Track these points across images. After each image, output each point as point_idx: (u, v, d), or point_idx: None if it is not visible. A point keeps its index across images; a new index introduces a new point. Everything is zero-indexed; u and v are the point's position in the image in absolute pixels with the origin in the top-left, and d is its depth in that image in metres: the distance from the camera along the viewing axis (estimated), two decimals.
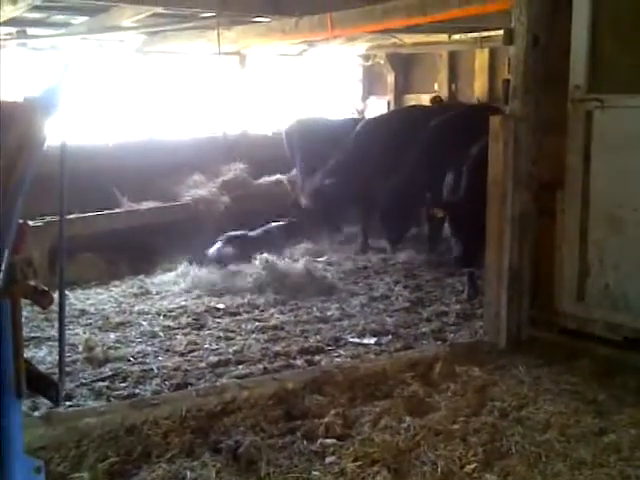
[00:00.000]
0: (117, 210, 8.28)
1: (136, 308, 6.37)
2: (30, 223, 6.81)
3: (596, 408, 4.17)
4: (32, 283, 2.22)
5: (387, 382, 4.53)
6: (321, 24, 6.63)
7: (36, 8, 6.93)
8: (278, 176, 9.71)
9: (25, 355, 4.94)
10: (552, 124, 4.92)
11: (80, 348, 5.27)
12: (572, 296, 5.00)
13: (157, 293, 6.87)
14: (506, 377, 4.65)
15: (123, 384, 4.71)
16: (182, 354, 5.25)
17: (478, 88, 10.14)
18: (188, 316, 6.11)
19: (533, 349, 5.06)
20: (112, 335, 5.65)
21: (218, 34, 6.71)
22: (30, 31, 7.79)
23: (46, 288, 2.26)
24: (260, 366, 4.96)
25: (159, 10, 7.11)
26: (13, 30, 7.66)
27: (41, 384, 2.43)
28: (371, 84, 11.71)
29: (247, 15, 7.49)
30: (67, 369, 4.94)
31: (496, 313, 5.14)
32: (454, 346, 5.19)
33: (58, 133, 2.41)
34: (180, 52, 9.36)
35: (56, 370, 4.87)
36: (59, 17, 7.69)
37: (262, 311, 6.26)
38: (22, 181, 2.23)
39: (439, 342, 5.47)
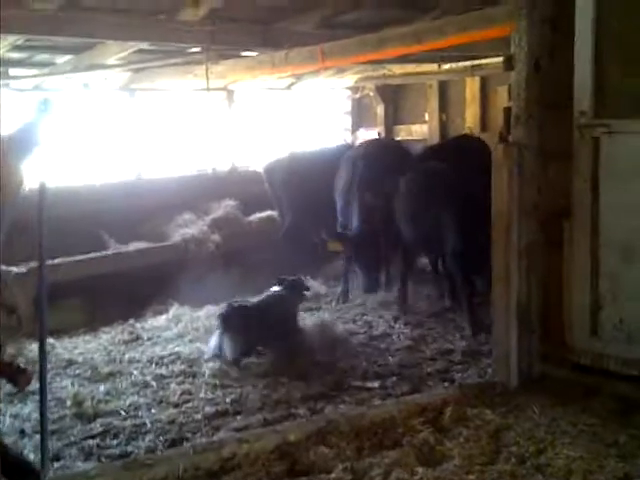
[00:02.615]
0: (104, 253, 8.01)
1: (126, 356, 6.08)
2: (15, 270, 6.60)
3: (618, 451, 3.94)
4: (8, 360, 1.98)
5: (396, 429, 4.28)
6: (312, 56, 6.46)
7: (18, 48, 6.73)
8: (269, 212, 9.48)
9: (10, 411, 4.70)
10: (557, 151, 4.73)
11: (68, 403, 4.98)
12: (584, 331, 4.77)
13: (148, 339, 6.59)
14: (521, 419, 4.41)
15: (115, 441, 4.44)
16: (176, 405, 4.98)
17: (470, 117, 9.99)
18: (181, 363, 5.84)
19: (546, 388, 4.82)
20: (102, 387, 5.36)
21: (207, 69, 6.54)
22: (12, 71, 7.58)
23: (23, 366, 2.01)
24: (260, 416, 4.70)
25: (145, 46, 6.93)
26: None
27: (20, 471, 2.17)
28: (360, 116, 11.56)
29: (235, 49, 7.31)
30: (54, 426, 4.66)
31: (505, 351, 4.90)
32: (463, 388, 4.94)
33: (37, 174, 2.18)
34: (167, 89, 9.17)
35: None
36: (42, 56, 7.50)
37: (258, 355, 5.99)
38: None
39: (446, 383, 5.24)
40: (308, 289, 6.67)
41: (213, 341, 5.91)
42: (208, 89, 6.64)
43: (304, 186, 8.62)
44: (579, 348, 4.82)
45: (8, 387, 5.18)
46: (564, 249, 4.85)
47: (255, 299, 6.33)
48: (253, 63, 7.39)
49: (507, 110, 4.89)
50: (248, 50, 7.48)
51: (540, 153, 4.74)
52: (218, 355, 5.79)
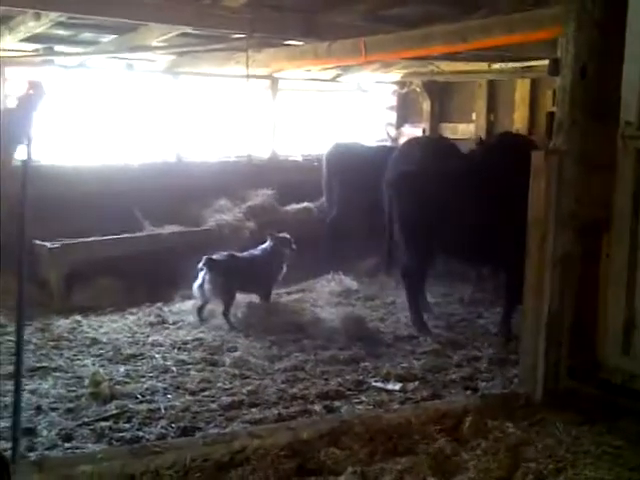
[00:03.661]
0: (138, 234, 8.03)
1: (150, 339, 6.08)
2: (48, 245, 6.65)
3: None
4: None
5: (411, 436, 4.16)
6: (354, 48, 6.33)
7: (62, 25, 6.75)
8: (306, 203, 9.41)
9: (29, 387, 4.72)
10: (599, 161, 4.54)
11: (86, 382, 4.97)
12: (617, 348, 4.58)
13: (174, 323, 6.58)
14: (542, 435, 4.25)
15: (127, 425, 4.41)
16: (193, 393, 4.94)
17: (518, 119, 9.76)
18: (203, 350, 5.82)
19: (572, 403, 4.63)
20: (122, 368, 5.36)
21: (247, 56, 6.46)
22: (57, 48, 7.62)
23: None
24: (275, 410, 4.63)
25: (188, 30, 6.88)
26: (40, 47, 7.49)
27: None
28: (406, 112, 11.39)
29: (278, 37, 7.23)
30: (70, 405, 4.68)
31: (533, 363, 4.74)
32: (486, 397, 4.79)
33: (24, 153, 2.12)
34: (209, 74, 9.13)
35: (59, 405, 4.67)
36: (87, 35, 7.51)
37: (281, 348, 5.93)
38: None
39: (469, 391, 5.09)
40: (293, 247, 7.21)
41: (198, 280, 6.60)
42: (248, 76, 6.56)
43: (358, 179, 8.53)
44: (610, 366, 4.64)
45: (29, 362, 5.29)
46: (601, 263, 4.68)
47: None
48: (295, 52, 7.29)
49: (550, 115, 4.70)
50: (291, 39, 7.37)
51: (581, 162, 4.55)
52: (200, 293, 6.56)
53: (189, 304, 7.01)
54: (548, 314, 4.67)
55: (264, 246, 7.22)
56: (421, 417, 4.38)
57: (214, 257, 6.66)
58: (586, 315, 4.77)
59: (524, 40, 5.55)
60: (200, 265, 6.62)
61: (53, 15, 5.72)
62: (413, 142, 7.88)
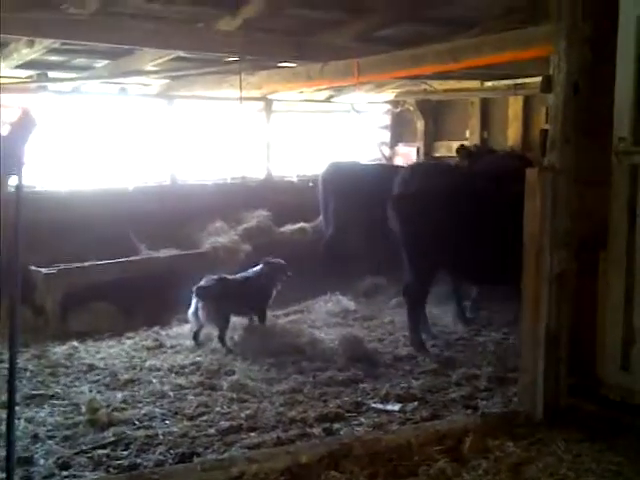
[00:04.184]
0: (134, 257, 8.01)
1: (147, 363, 6.04)
2: (44, 271, 6.63)
3: None
4: None
5: (412, 457, 4.13)
6: (347, 70, 6.36)
7: (56, 51, 6.77)
8: (302, 224, 9.40)
9: (26, 415, 4.67)
10: (593, 178, 4.55)
11: (83, 409, 4.93)
12: (616, 365, 4.58)
13: (171, 347, 6.55)
14: (543, 453, 4.22)
15: (125, 452, 4.36)
16: (191, 418, 4.90)
17: (511, 136, 9.80)
18: (201, 374, 5.77)
19: (572, 421, 4.61)
20: (119, 394, 5.31)
21: (240, 78, 6.48)
22: (51, 74, 7.64)
23: None
24: (274, 434, 4.59)
25: (182, 54, 6.91)
26: (34, 73, 7.51)
27: None
28: (400, 131, 11.44)
29: (270, 60, 7.26)
30: (68, 433, 4.63)
31: (532, 381, 4.71)
32: (486, 416, 4.76)
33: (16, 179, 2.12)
34: (203, 97, 9.16)
35: (56, 433, 4.63)
36: (81, 60, 7.53)
37: (279, 370, 5.89)
38: None
39: (469, 410, 5.06)
40: (287, 274, 7.16)
41: (192, 307, 6.61)
42: (241, 99, 6.59)
43: (355, 198, 8.53)
44: (609, 382, 4.63)
45: (25, 390, 5.25)
46: (598, 280, 4.67)
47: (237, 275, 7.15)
48: (288, 75, 7.32)
49: (543, 132, 4.72)
50: (283, 62, 7.41)
51: (575, 178, 4.56)
52: (194, 320, 6.59)
53: (186, 328, 6.97)
54: (546, 331, 4.66)
55: (257, 268, 7.17)
56: (421, 438, 4.35)
57: (204, 284, 6.66)
58: (584, 331, 4.77)
59: (515, 59, 5.58)
60: (192, 292, 6.64)
61: (47, 42, 5.74)
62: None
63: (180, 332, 6.96)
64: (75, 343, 6.57)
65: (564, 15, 4.57)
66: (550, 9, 4.68)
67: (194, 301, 6.61)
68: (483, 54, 5.44)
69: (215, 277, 6.80)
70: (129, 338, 6.87)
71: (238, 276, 7.13)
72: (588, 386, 4.75)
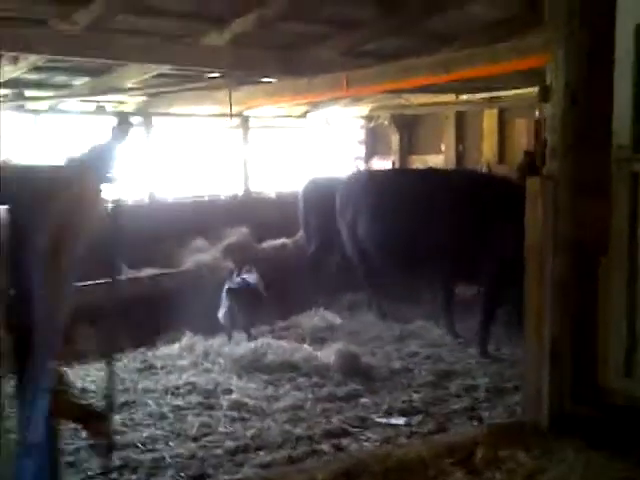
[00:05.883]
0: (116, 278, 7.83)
1: (140, 385, 5.91)
2: None
3: None
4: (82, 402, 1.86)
5: (426, 470, 4.09)
6: (336, 83, 6.35)
7: (36, 69, 6.64)
8: (283, 240, 9.36)
9: None
10: (594, 186, 4.58)
11: (84, 434, 4.79)
12: (619, 372, 4.59)
13: (162, 367, 6.42)
14: (554, 463, 4.21)
15: (134, 476, 4.26)
16: (195, 439, 4.80)
17: (486, 149, 9.91)
18: (198, 394, 5.67)
19: (578, 429, 4.60)
20: (117, 417, 5.16)
21: (230, 94, 6.43)
22: (29, 93, 7.49)
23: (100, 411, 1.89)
24: (283, 452, 4.51)
25: (165, 70, 6.84)
26: (9, 92, 7.36)
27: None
28: (374, 145, 11.49)
29: (259, 75, 7.22)
30: (70, 459, 4.49)
31: (537, 389, 4.71)
32: (493, 427, 4.75)
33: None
34: (183, 113, 9.09)
35: None
36: (60, 78, 7.41)
37: (276, 387, 5.82)
38: (73, 255, 1.86)
39: (474, 421, 5.06)
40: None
41: (223, 308, 6.95)
42: (231, 115, 6.54)
43: (334, 213, 8.52)
44: (612, 389, 4.64)
45: None
46: (600, 287, 4.71)
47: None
48: (273, 89, 7.30)
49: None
50: (268, 77, 7.38)
51: (576, 187, 4.60)
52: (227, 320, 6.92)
53: (174, 348, 6.87)
54: (550, 340, 4.68)
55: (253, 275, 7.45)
56: (433, 451, 4.31)
57: (234, 286, 7.06)
58: (587, 339, 4.79)
59: (508, 69, 5.63)
60: (223, 294, 6.99)
61: (32, 59, 5.62)
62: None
63: (168, 352, 6.83)
64: (63, 368, 6.39)
65: (561, 25, 4.63)
66: (546, 19, 4.73)
67: (226, 303, 6.90)
68: (476, 65, 5.48)
69: (240, 279, 7.20)
70: (117, 361, 6.70)
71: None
72: (591, 393, 4.77)
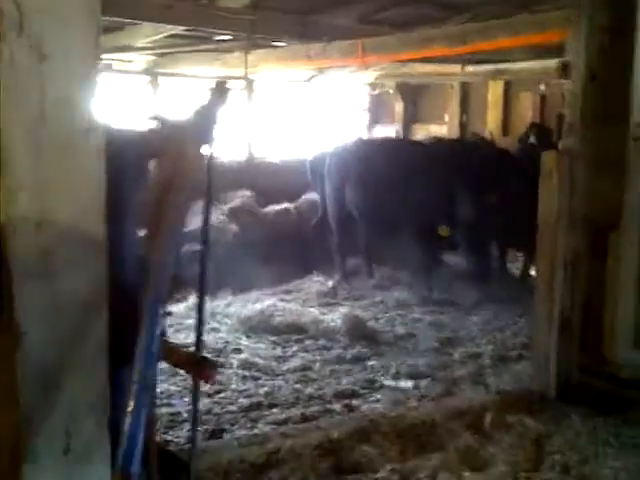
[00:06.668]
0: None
1: None
2: None
3: None
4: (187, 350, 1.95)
5: (437, 432, 4.22)
6: (351, 50, 6.38)
7: None
8: (286, 204, 9.40)
9: None
10: (609, 162, 4.68)
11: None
12: (628, 344, 4.74)
13: (170, 326, 6.48)
14: (562, 428, 4.36)
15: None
16: (209, 395, 4.89)
17: (490, 121, 9.96)
18: (207, 352, 5.73)
19: (585, 398, 4.75)
20: None
21: (246, 57, 6.44)
22: None
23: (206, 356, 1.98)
24: (296, 411, 4.64)
25: (178, 31, 6.82)
26: None
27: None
28: (378, 113, 11.50)
29: (268, 38, 7.21)
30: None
31: (545, 359, 4.86)
32: (502, 394, 4.89)
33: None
34: (191, 75, 9.05)
35: None
36: None
37: (284, 349, 5.94)
38: (177, 222, 1.92)
39: (479, 386, 5.19)
40: None
41: None
42: (246, 77, 6.54)
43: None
44: (620, 360, 4.79)
45: None
46: (608, 261, 4.82)
47: None
48: (287, 54, 7.29)
49: (559, 117, 4.84)
50: (281, 41, 7.37)
51: (592, 164, 4.69)
52: None
53: (181, 307, 6.94)
54: (560, 313, 4.80)
55: None
56: (443, 414, 4.46)
57: None
58: (594, 312, 4.92)
59: (526, 43, 5.67)
60: None
61: None
62: None
63: (176, 311, 6.90)
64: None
65: (583, 1, 4.68)
66: None
67: None
68: (494, 38, 5.51)
69: None
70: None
71: None
72: (597, 364, 4.92)
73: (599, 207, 4.77)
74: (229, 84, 2.10)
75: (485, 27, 5.67)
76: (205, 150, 2.07)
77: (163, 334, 2.00)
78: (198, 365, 2.04)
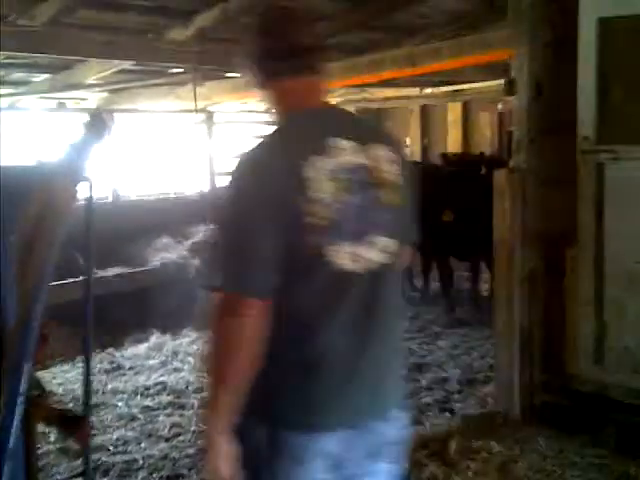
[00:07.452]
0: (80, 278, 7.72)
1: (109, 386, 5.82)
2: None
3: None
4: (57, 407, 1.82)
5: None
6: None
7: None
8: None
9: None
10: (560, 177, 4.64)
11: (52, 437, 4.70)
12: (588, 359, 4.65)
13: (130, 368, 6.33)
14: (527, 451, 4.29)
15: (105, 478, 4.18)
16: (167, 439, 4.74)
17: (451, 142, 9.97)
18: (168, 394, 5.60)
19: (549, 418, 4.69)
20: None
21: (195, 89, 6.36)
22: None
23: (78, 413, 1.86)
24: None
25: (127, 66, 6.74)
26: None
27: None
28: None
29: (220, 70, 7.15)
30: (39, 463, 4.38)
31: (508, 379, 4.77)
32: (465, 418, 4.79)
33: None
34: (146, 110, 8.97)
35: None
36: (19, 75, 7.26)
37: None
38: (46, 264, 1.80)
39: (446, 413, 5.08)
40: None
41: None
42: (196, 111, 6.47)
43: None
44: (582, 377, 4.70)
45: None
46: (566, 277, 4.76)
47: None
48: (239, 84, 7.22)
49: (509, 134, 4.81)
50: (232, 72, 7.31)
51: (543, 179, 4.65)
52: None
53: (142, 347, 6.79)
54: (520, 330, 4.73)
55: None
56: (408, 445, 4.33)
57: None
58: (555, 329, 4.85)
59: (473, 63, 5.66)
60: None
61: None
62: None
63: (136, 353, 6.75)
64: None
65: (523, 18, 4.67)
66: (509, 13, 4.76)
67: None
68: (442, 58, 5.49)
69: None
70: (83, 362, 6.59)
71: None
72: (560, 382, 4.83)
73: (553, 222, 4.73)
74: (105, 116, 2.00)
75: (433, 49, 5.66)
76: (81, 188, 1.95)
77: (43, 390, 1.85)
78: (71, 424, 1.90)
